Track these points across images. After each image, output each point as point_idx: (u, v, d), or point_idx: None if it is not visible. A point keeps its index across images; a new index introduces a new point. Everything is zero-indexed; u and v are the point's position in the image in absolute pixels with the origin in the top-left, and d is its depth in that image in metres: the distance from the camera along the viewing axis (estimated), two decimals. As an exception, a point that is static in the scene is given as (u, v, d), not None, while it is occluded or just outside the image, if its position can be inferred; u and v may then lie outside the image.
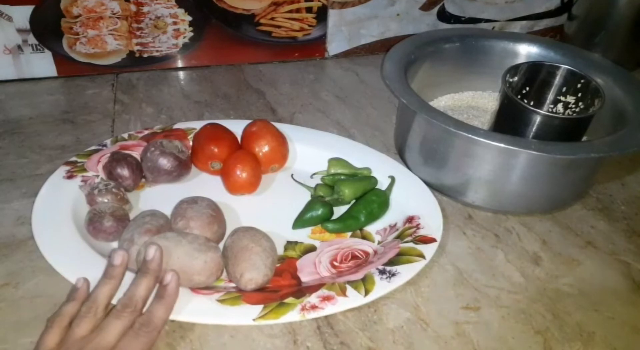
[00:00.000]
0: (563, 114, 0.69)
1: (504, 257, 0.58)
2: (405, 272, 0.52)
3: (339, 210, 0.61)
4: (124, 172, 0.59)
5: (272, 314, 0.47)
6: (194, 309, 0.47)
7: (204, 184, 0.64)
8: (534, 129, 0.63)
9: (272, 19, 0.87)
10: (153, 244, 0.47)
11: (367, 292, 0.50)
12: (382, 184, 0.63)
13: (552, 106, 0.70)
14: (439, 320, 0.50)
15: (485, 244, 0.59)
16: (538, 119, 0.62)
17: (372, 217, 0.59)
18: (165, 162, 0.61)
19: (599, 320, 0.51)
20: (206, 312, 0.47)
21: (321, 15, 0.88)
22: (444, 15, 0.94)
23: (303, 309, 0.48)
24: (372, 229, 0.59)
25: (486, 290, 0.54)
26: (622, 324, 0.51)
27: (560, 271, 0.57)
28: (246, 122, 0.67)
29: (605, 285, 0.55)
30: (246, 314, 0.47)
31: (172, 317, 0.47)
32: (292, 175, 0.66)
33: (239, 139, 0.66)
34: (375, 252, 0.56)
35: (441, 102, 0.78)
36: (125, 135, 0.67)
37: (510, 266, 0.57)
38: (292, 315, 0.47)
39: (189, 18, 0.83)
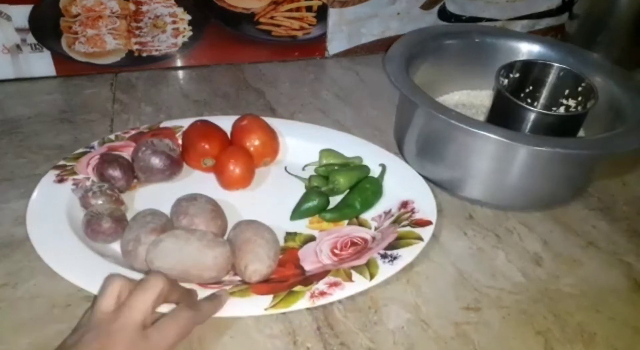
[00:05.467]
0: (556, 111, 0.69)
1: (505, 257, 0.58)
2: (406, 254, 0.53)
3: (334, 200, 0.62)
4: (116, 173, 0.59)
5: (283, 303, 0.48)
6: None
7: (196, 181, 0.64)
8: (528, 126, 0.63)
9: (272, 17, 0.86)
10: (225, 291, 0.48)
11: (372, 276, 0.51)
12: (373, 172, 0.65)
13: (554, 109, 0.69)
14: (439, 320, 0.50)
15: (486, 244, 0.59)
16: (532, 116, 0.62)
17: (368, 205, 0.61)
18: (157, 161, 0.61)
19: (600, 321, 0.51)
20: None
21: (321, 14, 0.88)
22: (444, 15, 0.94)
23: (312, 296, 0.49)
24: (367, 216, 0.61)
25: (487, 290, 0.54)
26: (623, 324, 0.51)
27: (561, 271, 0.56)
28: (233, 117, 0.67)
29: (607, 285, 0.55)
30: (257, 305, 0.48)
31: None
32: (285, 168, 0.66)
33: (228, 135, 0.66)
34: (374, 238, 0.57)
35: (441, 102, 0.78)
36: (112, 136, 0.67)
37: (511, 266, 0.57)
38: (303, 302, 0.48)
39: (188, 17, 0.83)
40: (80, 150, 0.65)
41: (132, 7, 0.80)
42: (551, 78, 0.69)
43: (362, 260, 0.53)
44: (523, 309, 0.52)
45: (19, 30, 0.77)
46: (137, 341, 0.39)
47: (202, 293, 0.48)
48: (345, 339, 0.48)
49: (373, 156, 0.66)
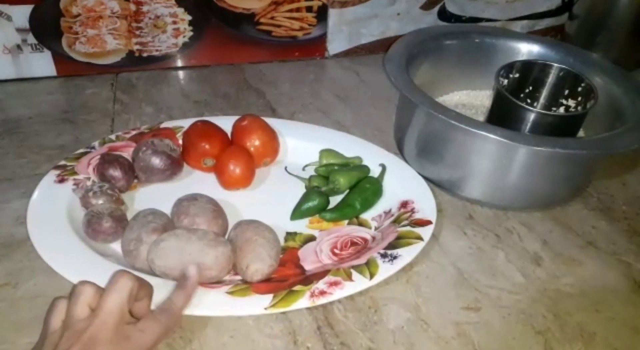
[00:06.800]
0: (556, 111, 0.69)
1: (505, 257, 0.58)
2: (406, 254, 0.53)
3: (334, 200, 0.62)
4: (116, 173, 0.59)
5: (283, 302, 0.48)
6: (205, 303, 0.48)
7: (196, 181, 0.64)
8: (528, 126, 0.63)
9: (272, 18, 0.87)
10: (194, 265, 0.48)
11: (372, 276, 0.51)
12: (373, 172, 0.65)
13: (554, 109, 0.70)
14: (439, 320, 0.50)
15: (485, 244, 0.59)
16: (531, 116, 0.62)
17: (368, 205, 0.61)
18: (158, 161, 0.61)
19: (600, 321, 0.51)
20: (217, 305, 0.48)
21: (321, 14, 0.88)
22: (444, 15, 0.94)
23: (312, 295, 0.49)
24: (367, 216, 0.61)
25: (487, 290, 0.54)
26: (623, 324, 0.51)
27: (561, 271, 0.56)
28: (233, 118, 0.67)
29: (606, 285, 0.55)
30: (257, 304, 0.48)
31: (185, 312, 0.47)
32: (285, 168, 0.66)
33: (228, 135, 0.67)
34: (374, 238, 0.57)
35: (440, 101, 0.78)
36: (113, 137, 0.67)
37: (511, 266, 0.57)
38: (303, 302, 0.48)
39: (189, 17, 0.83)
40: (81, 150, 0.65)
41: (132, 7, 0.80)
42: (551, 78, 0.69)
43: (362, 260, 0.53)
44: (523, 309, 0.52)
45: (19, 30, 0.77)
46: (118, 341, 0.39)
47: (202, 293, 0.49)
48: (345, 339, 0.48)
49: (373, 156, 0.66)
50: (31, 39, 0.78)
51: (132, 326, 0.41)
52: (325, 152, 0.66)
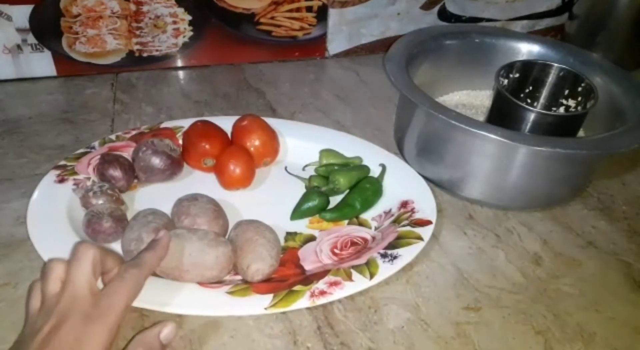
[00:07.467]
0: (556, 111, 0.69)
1: (505, 257, 0.58)
2: (406, 254, 0.53)
3: (334, 200, 0.62)
4: (117, 173, 0.59)
5: (283, 302, 0.48)
6: (205, 303, 0.48)
7: (196, 181, 0.64)
8: (528, 126, 0.63)
9: (272, 18, 0.87)
10: (164, 230, 0.48)
11: (372, 276, 0.51)
12: (373, 172, 0.65)
13: (554, 109, 0.70)
14: (439, 320, 0.50)
15: (486, 244, 0.59)
16: (532, 116, 0.62)
17: (368, 204, 0.61)
18: (158, 161, 0.61)
19: (600, 321, 0.51)
20: (217, 305, 0.48)
21: (321, 14, 0.88)
22: (444, 15, 0.94)
23: (312, 295, 0.49)
24: (368, 216, 0.61)
25: (487, 290, 0.54)
26: (623, 324, 0.51)
27: (561, 271, 0.56)
28: (233, 118, 0.68)
29: (606, 285, 0.55)
30: (257, 304, 0.48)
31: (185, 312, 0.48)
32: (285, 168, 0.66)
33: (228, 135, 0.67)
34: (374, 238, 0.57)
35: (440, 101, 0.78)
36: (113, 136, 0.68)
37: (511, 266, 0.57)
38: (303, 302, 0.48)
39: (189, 17, 0.83)
40: (81, 150, 0.65)
41: (132, 7, 0.80)
42: (551, 78, 0.69)
43: (362, 260, 0.53)
44: (523, 309, 0.52)
45: (19, 30, 0.77)
46: (88, 310, 0.40)
47: (202, 293, 0.49)
48: (345, 339, 0.48)
49: (373, 156, 0.66)
50: (31, 39, 0.78)
51: (99, 293, 0.41)
52: (325, 152, 0.66)
